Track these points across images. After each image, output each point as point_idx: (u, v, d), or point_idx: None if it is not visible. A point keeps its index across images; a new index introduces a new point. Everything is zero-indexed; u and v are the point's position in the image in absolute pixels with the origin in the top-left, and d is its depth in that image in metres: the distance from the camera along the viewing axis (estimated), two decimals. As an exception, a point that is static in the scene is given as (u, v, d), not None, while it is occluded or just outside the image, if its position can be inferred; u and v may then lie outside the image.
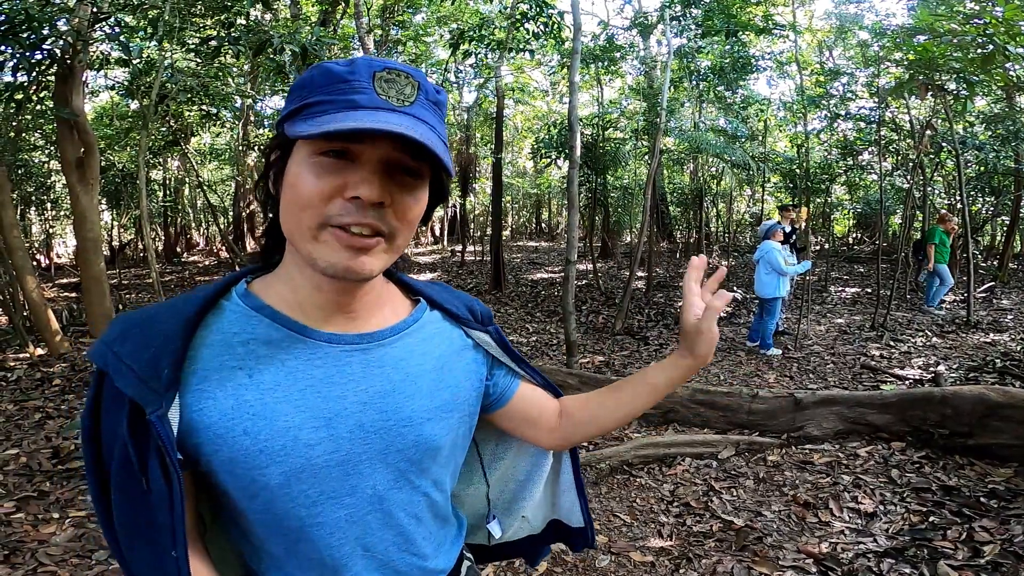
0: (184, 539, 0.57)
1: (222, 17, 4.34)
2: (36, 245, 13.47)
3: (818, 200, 10.67)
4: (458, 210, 16.51)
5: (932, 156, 9.08)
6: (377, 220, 0.58)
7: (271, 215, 0.67)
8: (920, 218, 10.33)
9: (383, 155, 0.57)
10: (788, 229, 6.62)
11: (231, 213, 14.88)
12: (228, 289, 0.65)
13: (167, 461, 0.55)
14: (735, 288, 8.97)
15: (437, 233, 20.71)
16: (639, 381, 0.83)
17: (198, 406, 0.58)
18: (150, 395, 0.55)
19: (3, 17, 3.30)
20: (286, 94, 0.67)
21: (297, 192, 0.58)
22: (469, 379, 0.76)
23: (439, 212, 20.19)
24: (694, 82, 9.32)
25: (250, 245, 13.60)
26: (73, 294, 9.15)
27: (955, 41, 4.59)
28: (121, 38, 4.19)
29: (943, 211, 8.34)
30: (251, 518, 0.63)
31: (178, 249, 15.60)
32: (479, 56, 8.93)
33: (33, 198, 11.69)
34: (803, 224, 7.03)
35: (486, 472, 0.95)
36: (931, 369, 4.89)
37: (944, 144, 8.39)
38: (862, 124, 9.65)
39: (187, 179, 14.92)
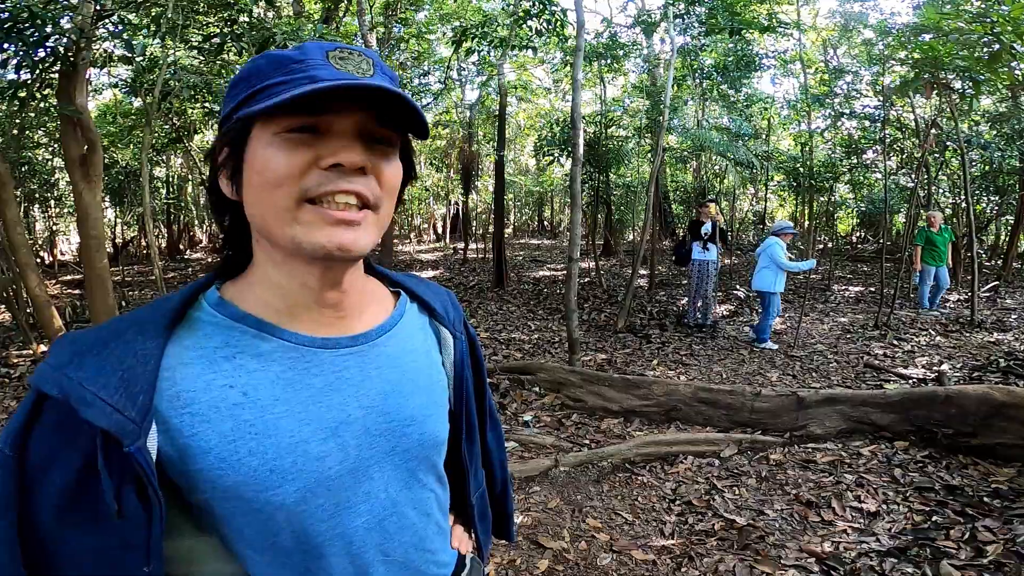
0: (160, 555, 0.53)
1: (225, 14, 4.33)
2: (40, 242, 13.50)
3: (822, 199, 10.65)
4: (460, 208, 16.52)
5: (937, 155, 9.04)
6: (363, 187, 0.55)
7: (227, 219, 0.63)
8: (924, 217, 10.32)
9: (356, 123, 0.55)
10: (708, 224, 6.53)
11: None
12: (195, 298, 0.60)
13: (148, 491, 0.51)
14: (738, 287, 8.97)
15: (439, 231, 20.73)
16: None
17: (191, 431, 0.54)
18: (128, 426, 0.49)
19: (7, 15, 3.31)
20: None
21: (266, 173, 0.54)
22: (442, 373, 0.76)
23: (441, 210, 20.23)
24: (697, 80, 9.32)
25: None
26: (76, 291, 9.18)
27: (961, 40, 4.57)
28: (124, 35, 4.19)
29: (929, 213, 8.16)
30: (264, 542, 0.58)
31: (181, 246, 15.65)
32: (482, 54, 8.91)
33: (37, 195, 11.71)
34: (721, 219, 6.86)
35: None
36: (935, 368, 4.86)
37: (949, 143, 8.35)
38: (866, 123, 9.64)
39: (190, 177, 14.97)
